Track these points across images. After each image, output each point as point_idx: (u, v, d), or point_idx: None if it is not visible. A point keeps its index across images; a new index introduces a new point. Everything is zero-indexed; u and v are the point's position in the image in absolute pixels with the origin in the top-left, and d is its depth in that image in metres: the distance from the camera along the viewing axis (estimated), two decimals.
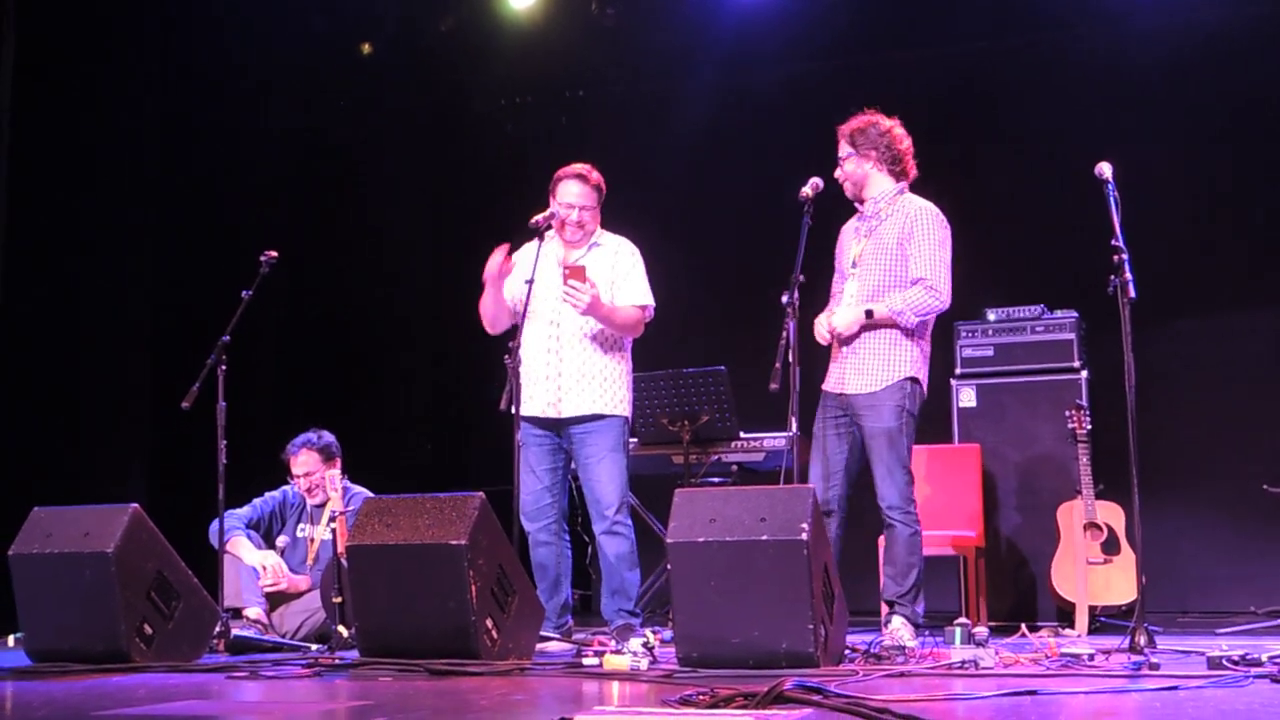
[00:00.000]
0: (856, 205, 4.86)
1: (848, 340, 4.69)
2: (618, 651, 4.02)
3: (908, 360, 4.67)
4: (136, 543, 4.26)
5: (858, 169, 4.77)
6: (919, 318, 4.64)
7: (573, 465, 5.00)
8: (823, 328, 4.74)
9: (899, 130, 4.78)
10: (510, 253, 4.97)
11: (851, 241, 4.83)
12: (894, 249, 4.69)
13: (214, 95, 7.08)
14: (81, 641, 4.19)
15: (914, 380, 4.67)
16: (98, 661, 4.13)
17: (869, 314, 4.65)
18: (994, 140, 7.12)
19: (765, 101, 7.49)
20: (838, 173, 4.79)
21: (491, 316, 5.04)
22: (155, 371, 6.64)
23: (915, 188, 4.88)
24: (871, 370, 4.67)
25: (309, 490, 5.49)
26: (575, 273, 4.77)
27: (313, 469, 5.45)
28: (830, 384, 4.77)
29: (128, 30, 6.72)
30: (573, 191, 4.95)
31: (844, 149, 4.79)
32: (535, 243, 4.89)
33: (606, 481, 4.85)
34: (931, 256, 4.65)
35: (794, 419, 4.44)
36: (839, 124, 4.84)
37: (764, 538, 3.75)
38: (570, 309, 4.86)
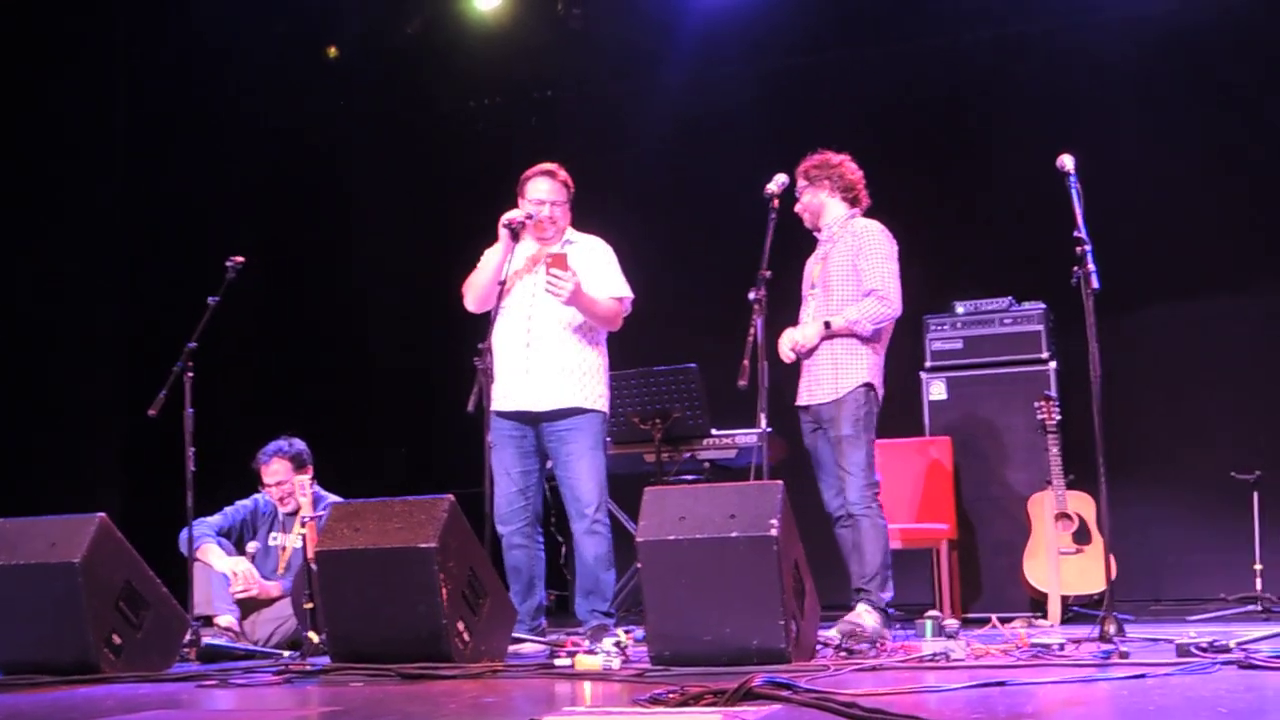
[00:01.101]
0: (815, 235, 5.06)
1: (809, 354, 4.89)
2: (590, 652, 4.01)
3: (864, 368, 4.86)
4: (104, 552, 4.23)
5: (814, 199, 5.02)
6: (874, 325, 4.85)
7: (548, 465, 4.99)
8: (786, 345, 4.93)
9: (850, 163, 5.04)
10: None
11: (812, 267, 5.05)
12: (847, 267, 4.92)
13: (183, 101, 7.05)
14: (50, 653, 4.15)
15: (869, 386, 4.85)
16: (66, 673, 4.09)
17: (827, 325, 4.85)
18: (960, 134, 7.16)
19: (733, 99, 7.49)
20: (798, 207, 5.01)
21: (485, 286, 4.88)
22: (124, 379, 6.60)
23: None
24: (830, 379, 4.86)
25: (281, 499, 5.47)
26: (557, 261, 4.76)
27: (284, 477, 5.42)
28: (801, 399, 4.96)
29: (97, 36, 6.68)
30: (542, 188, 4.96)
31: (800, 184, 5.01)
32: (505, 243, 4.87)
33: (586, 479, 4.84)
34: (880, 269, 4.87)
35: (763, 415, 4.47)
36: (808, 156, 5.03)
37: (734, 535, 3.76)
38: (545, 305, 4.85)
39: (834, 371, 4.85)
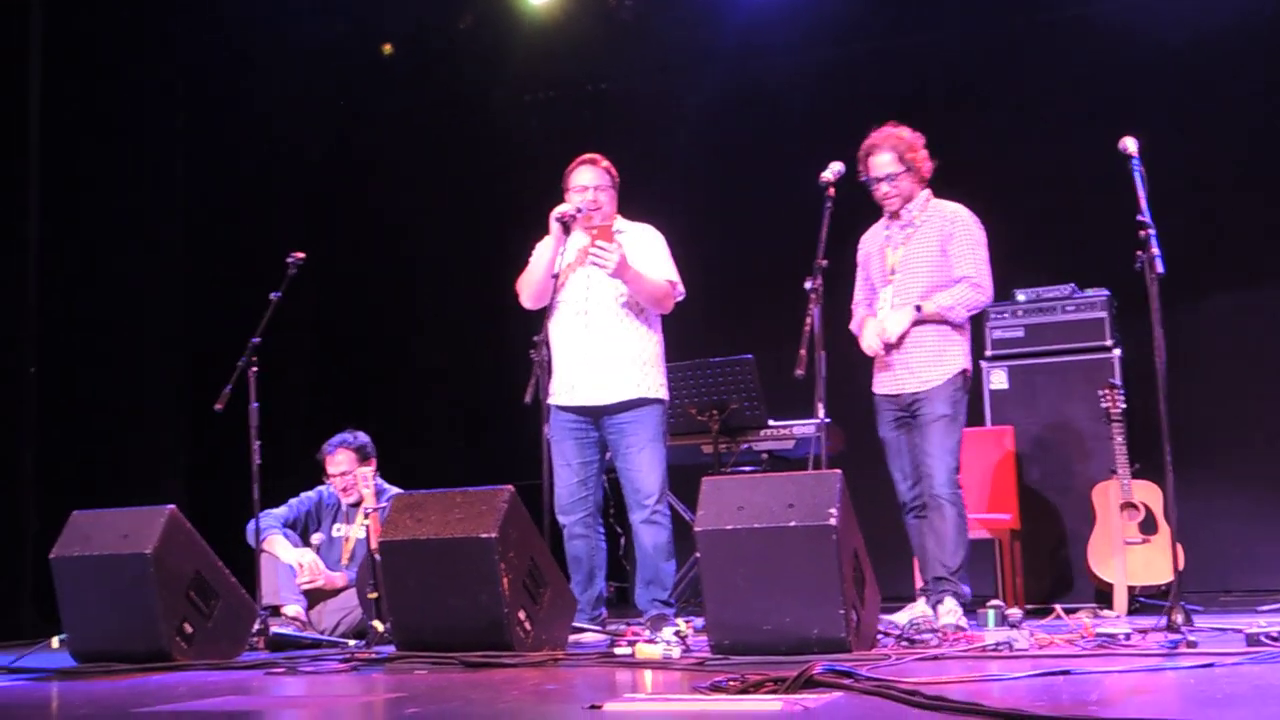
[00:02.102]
0: (888, 210, 4.92)
1: (898, 343, 4.79)
2: (650, 641, 4.03)
3: (959, 354, 4.82)
4: (174, 543, 4.32)
5: (908, 185, 4.87)
6: (969, 313, 4.82)
7: (608, 455, 5.01)
8: (873, 339, 4.82)
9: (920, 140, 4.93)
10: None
11: (885, 250, 4.92)
12: (935, 252, 4.82)
13: (240, 98, 7.15)
14: (123, 641, 4.25)
15: (965, 372, 4.82)
16: (139, 661, 4.19)
17: (918, 310, 4.76)
18: (1019, 120, 7.07)
19: (784, 89, 7.47)
20: (885, 187, 4.86)
21: (539, 282, 4.90)
22: (190, 375, 6.72)
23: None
24: (926, 366, 4.79)
25: (344, 490, 5.54)
26: (603, 233, 4.79)
27: (348, 468, 5.50)
28: (886, 388, 4.87)
29: (154, 37, 6.80)
30: (585, 175, 4.99)
31: (894, 165, 4.84)
32: (556, 236, 4.89)
33: (647, 471, 4.86)
34: (974, 255, 4.81)
35: (821, 405, 4.45)
36: (882, 133, 4.88)
37: (793, 524, 3.75)
38: (600, 297, 4.88)
39: (930, 358, 4.77)
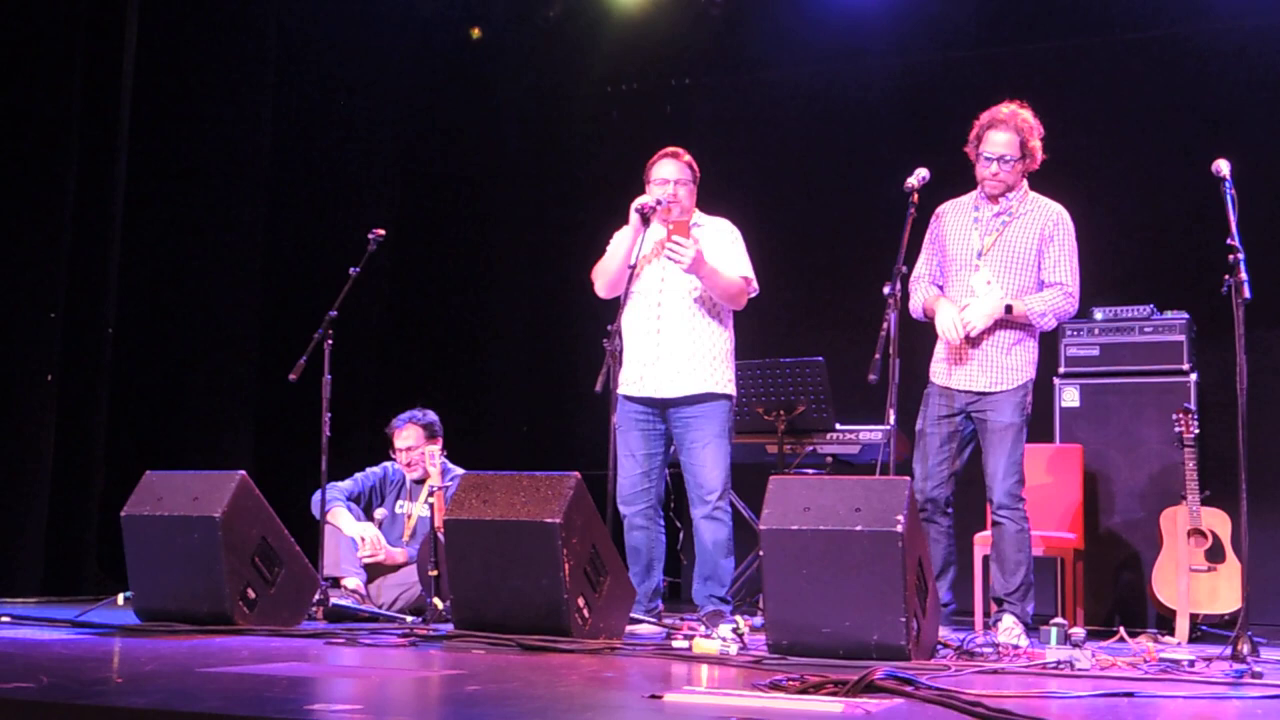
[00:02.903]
0: (988, 192, 4.69)
1: (976, 337, 4.62)
2: (707, 636, 4.03)
3: (1032, 362, 4.69)
4: (243, 509, 4.38)
5: (1019, 174, 4.68)
6: (1058, 321, 4.69)
7: (672, 449, 5.02)
8: (956, 325, 4.59)
9: None
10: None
11: (970, 230, 4.70)
12: (1032, 248, 4.65)
13: (326, 79, 7.23)
14: (187, 602, 4.32)
15: (1032, 382, 4.69)
16: (202, 623, 4.25)
17: (1009, 310, 4.60)
18: (1107, 136, 6.98)
19: (870, 92, 7.42)
20: (995, 168, 4.62)
21: (615, 271, 4.91)
22: (263, 345, 6.82)
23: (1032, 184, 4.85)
24: (1003, 368, 4.64)
25: (409, 464, 5.59)
26: (680, 228, 4.79)
27: (415, 444, 5.56)
28: (951, 380, 4.68)
29: (240, 19, 6.89)
30: (667, 169, 4.98)
31: (1013, 148, 4.62)
32: (635, 227, 4.90)
33: (711, 466, 4.86)
34: (1071, 262, 4.67)
35: (892, 412, 4.39)
36: (1007, 110, 4.67)
37: (858, 528, 3.73)
38: (674, 290, 4.88)
39: (1005, 360, 4.61)
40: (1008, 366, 4.64)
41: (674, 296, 4.92)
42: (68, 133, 6.12)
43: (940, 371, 4.73)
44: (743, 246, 5.04)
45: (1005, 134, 4.64)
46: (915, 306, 4.82)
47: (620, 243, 4.96)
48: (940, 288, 4.76)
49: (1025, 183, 4.75)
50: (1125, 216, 6.84)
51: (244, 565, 4.34)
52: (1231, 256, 4.12)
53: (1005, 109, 4.69)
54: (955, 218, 4.80)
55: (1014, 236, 4.67)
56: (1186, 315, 6.10)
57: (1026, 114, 4.68)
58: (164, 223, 6.66)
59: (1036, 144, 4.68)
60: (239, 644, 3.96)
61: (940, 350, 4.74)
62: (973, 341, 4.64)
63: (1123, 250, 6.80)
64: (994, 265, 4.66)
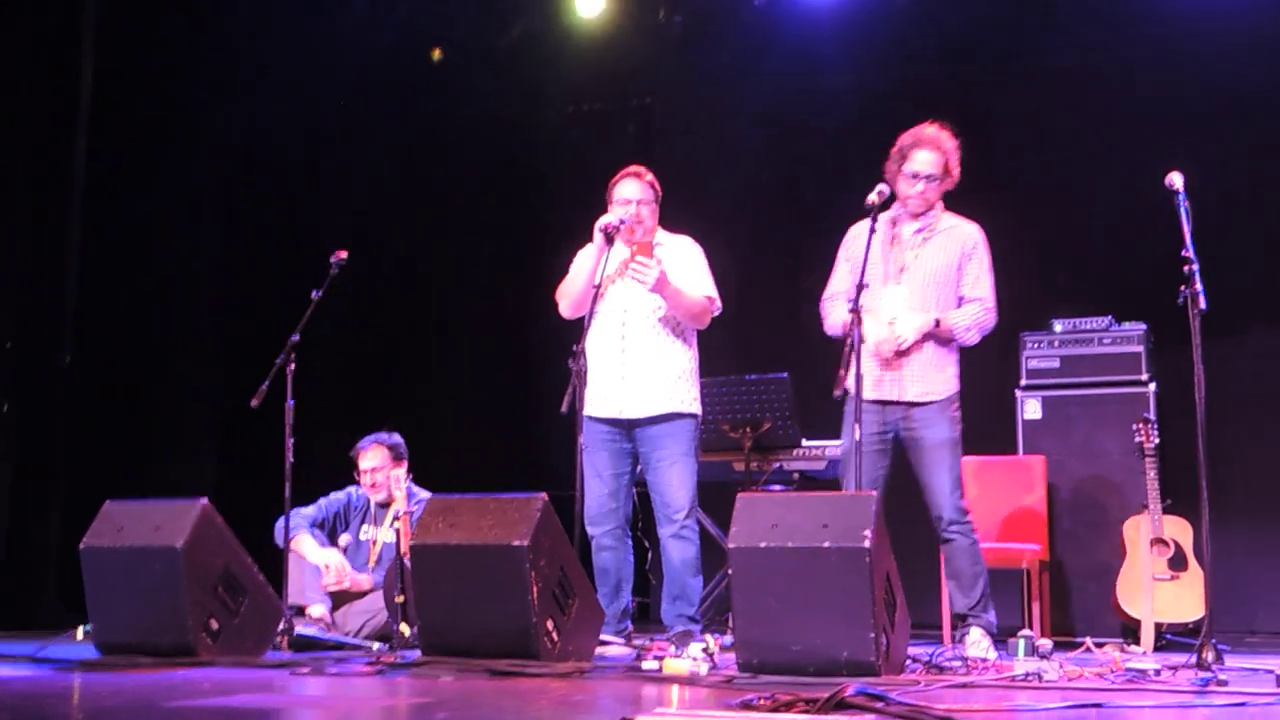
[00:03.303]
0: (910, 210, 4.76)
1: (905, 350, 4.68)
2: (677, 656, 4.02)
3: (957, 375, 4.77)
4: (205, 538, 4.33)
5: (938, 193, 4.78)
6: (981, 336, 4.76)
7: (639, 468, 5.00)
8: (889, 338, 4.63)
9: None
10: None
11: (887, 249, 4.74)
12: (952, 265, 4.74)
13: (286, 98, 7.19)
14: (149, 635, 4.26)
15: (959, 393, 4.74)
16: (165, 655, 4.19)
17: (938, 324, 4.68)
18: (1063, 151, 7.05)
19: (830, 108, 7.46)
20: (921, 185, 4.71)
21: (579, 292, 4.91)
22: (225, 370, 6.75)
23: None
24: (932, 379, 4.69)
25: (372, 485, 5.54)
26: (643, 248, 4.79)
27: (380, 464, 5.52)
28: (881, 391, 4.68)
29: (199, 37, 6.85)
30: (630, 188, 4.99)
31: (937, 167, 4.72)
32: (599, 247, 4.90)
33: (677, 485, 4.85)
34: (988, 279, 4.77)
35: (858, 427, 4.41)
36: (931, 124, 4.78)
37: (826, 544, 3.74)
38: (639, 310, 4.88)
39: (932, 370, 4.68)
40: (937, 379, 4.70)
41: (638, 316, 4.92)
42: (21, 157, 6.05)
43: (869, 385, 4.61)
44: (705, 265, 5.05)
45: (930, 154, 4.74)
46: (833, 325, 4.86)
47: (584, 263, 4.96)
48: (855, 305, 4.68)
49: (941, 203, 4.83)
50: (1083, 230, 6.92)
51: (207, 595, 4.29)
52: (1186, 268, 4.17)
53: (929, 129, 4.78)
54: (872, 239, 4.73)
55: (934, 254, 4.75)
56: (1144, 326, 6.17)
57: (948, 135, 4.79)
58: (122, 248, 6.58)
59: (956, 165, 4.79)
60: (203, 676, 3.91)
61: (868, 365, 4.64)
62: (903, 354, 4.69)
63: (1081, 263, 6.88)
64: (915, 282, 4.73)
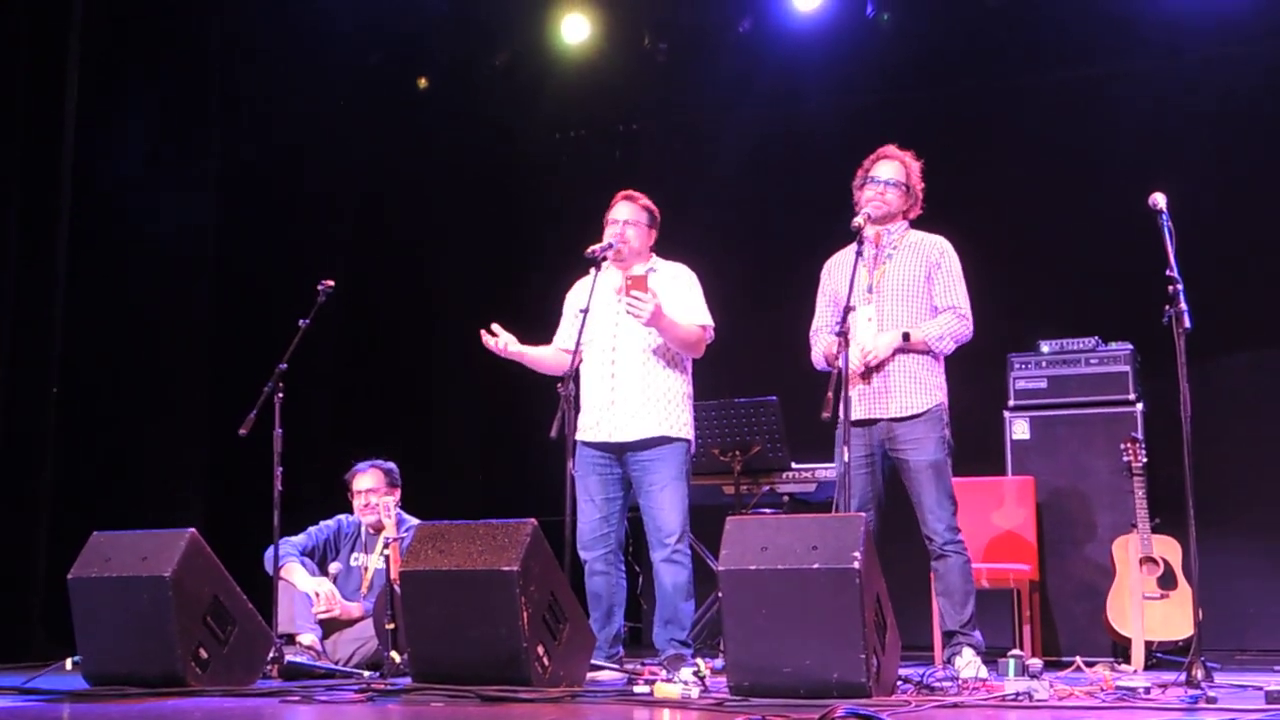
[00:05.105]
0: (870, 214, 4.78)
1: (878, 367, 4.69)
2: (669, 680, 4.01)
3: (940, 386, 4.74)
4: (194, 567, 4.31)
5: (899, 207, 4.83)
6: (956, 344, 4.74)
7: (632, 493, 5.00)
8: (860, 354, 4.65)
9: None
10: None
11: (857, 269, 4.73)
12: (920, 277, 4.76)
13: (273, 125, 7.20)
14: (138, 665, 4.23)
15: (945, 406, 4.72)
16: (153, 685, 4.16)
17: (906, 337, 4.68)
18: (1046, 172, 7.10)
19: (816, 134, 7.51)
20: (885, 193, 4.79)
21: (545, 370, 5.15)
22: (213, 399, 6.74)
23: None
24: (911, 391, 4.68)
25: (365, 507, 5.53)
26: (637, 283, 4.79)
27: (376, 486, 5.53)
28: (863, 411, 4.68)
29: (185, 62, 6.86)
30: (621, 209, 5.03)
31: (900, 175, 4.82)
32: (591, 274, 4.92)
33: (669, 509, 4.85)
34: (959, 287, 4.78)
35: (847, 449, 4.42)
36: (894, 145, 4.89)
37: (816, 566, 3.74)
38: (629, 335, 4.90)
39: (912, 385, 4.67)
40: (916, 390, 4.68)
41: (629, 341, 4.94)
42: (7, 187, 6.05)
43: (849, 407, 4.58)
44: (700, 292, 5.06)
45: (891, 163, 4.84)
46: (817, 357, 4.90)
47: (543, 355, 5.16)
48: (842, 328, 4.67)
49: (904, 223, 4.86)
50: (1068, 251, 6.96)
51: (196, 625, 4.27)
52: (1171, 287, 4.21)
53: (891, 148, 4.89)
54: (840, 266, 4.88)
55: (900, 268, 4.77)
56: (1130, 346, 6.20)
57: (910, 156, 4.87)
58: (109, 278, 6.58)
59: (918, 183, 4.84)
60: (192, 705, 3.88)
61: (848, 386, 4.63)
62: (878, 369, 4.69)
63: (1066, 283, 6.91)
64: (884, 298, 4.75)
